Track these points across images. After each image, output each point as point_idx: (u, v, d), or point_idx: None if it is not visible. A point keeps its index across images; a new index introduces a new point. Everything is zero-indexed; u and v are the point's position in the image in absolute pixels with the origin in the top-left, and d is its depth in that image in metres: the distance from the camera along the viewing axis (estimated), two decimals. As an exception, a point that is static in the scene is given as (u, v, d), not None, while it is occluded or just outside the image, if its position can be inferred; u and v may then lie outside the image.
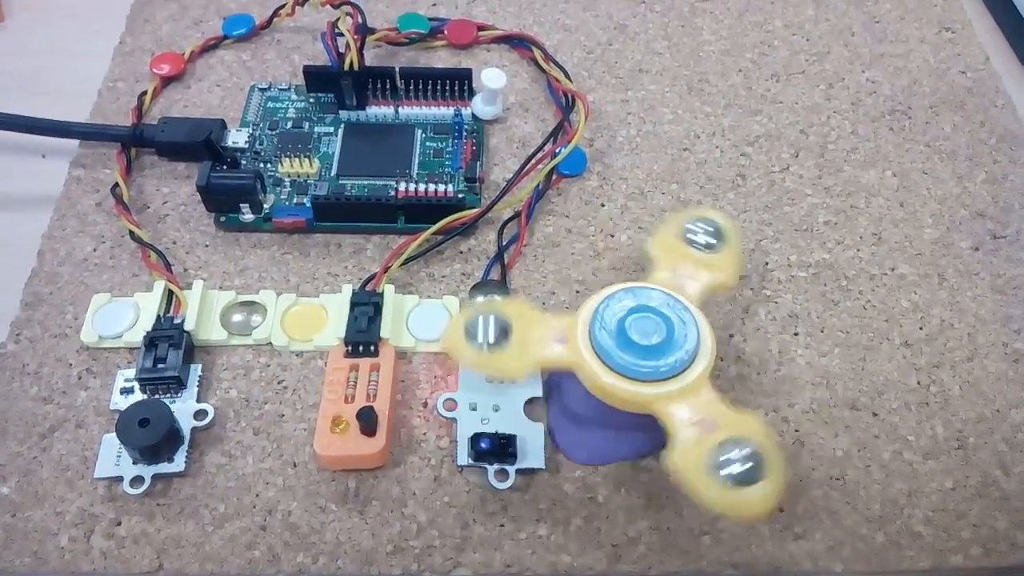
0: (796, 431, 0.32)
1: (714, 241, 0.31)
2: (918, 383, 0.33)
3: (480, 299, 0.34)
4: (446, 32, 0.44)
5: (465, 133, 0.40)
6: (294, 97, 0.41)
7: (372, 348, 0.32)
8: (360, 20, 0.39)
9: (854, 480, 0.31)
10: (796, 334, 0.34)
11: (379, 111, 0.40)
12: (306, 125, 0.40)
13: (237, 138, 0.39)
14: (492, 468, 0.30)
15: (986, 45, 0.46)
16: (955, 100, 0.43)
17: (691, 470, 0.25)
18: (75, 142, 0.39)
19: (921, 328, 0.35)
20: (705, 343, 0.28)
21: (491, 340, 0.28)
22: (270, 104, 0.41)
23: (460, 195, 0.37)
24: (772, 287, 0.36)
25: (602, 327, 0.28)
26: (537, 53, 0.43)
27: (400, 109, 0.40)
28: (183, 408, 0.31)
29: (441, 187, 0.37)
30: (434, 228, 0.35)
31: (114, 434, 0.30)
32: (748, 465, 0.25)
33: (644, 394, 0.27)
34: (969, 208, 0.39)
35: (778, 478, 0.25)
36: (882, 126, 0.42)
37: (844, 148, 0.41)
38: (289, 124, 0.40)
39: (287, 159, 0.38)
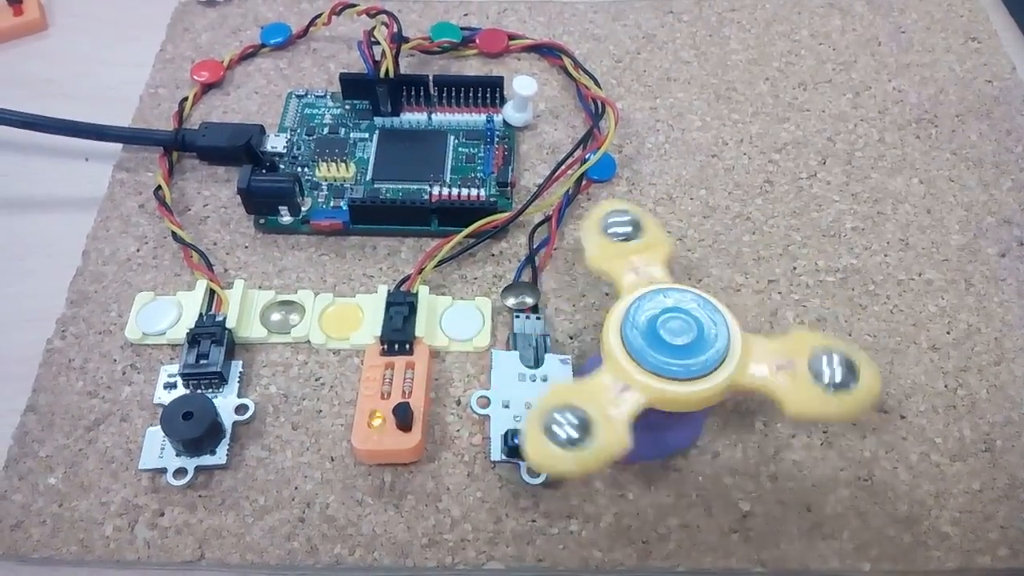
0: (824, 432, 0.32)
1: (631, 229, 0.31)
2: (945, 387, 0.34)
3: (514, 315, 0.34)
4: (478, 41, 0.45)
5: (496, 139, 0.40)
6: (330, 104, 0.42)
7: (407, 346, 0.33)
8: (396, 29, 0.40)
9: (882, 481, 0.31)
10: (824, 337, 0.35)
11: (413, 117, 0.41)
12: (342, 131, 0.41)
13: (276, 143, 0.40)
14: (524, 464, 0.31)
15: (1012, 55, 0.46)
16: (981, 109, 0.43)
17: (807, 401, 0.26)
18: (118, 146, 0.41)
19: (948, 333, 0.35)
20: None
21: (575, 436, 0.26)
22: (307, 110, 0.42)
23: (492, 199, 0.37)
24: (800, 291, 0.36)
25: (634, 326, 0.28)
26: (567, 61, 0.44)
27: (433, 115, 0.41)
28: (224, 403, 0.32)
29: (474, 191, 0.37)
30: (467, 231, 0.36)
31: (158, 427, 0.31)
32: (843, 369, 0.26)
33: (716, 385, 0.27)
34: (996, 215, 0.39)
35: (871, 369, 0.27)
36: (908, 134, 0.42)
37: (871, 155, 0.41)
38: (326, 130, 0.41)
39: (324, 164, 0.39)
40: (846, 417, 0.27)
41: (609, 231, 0.31)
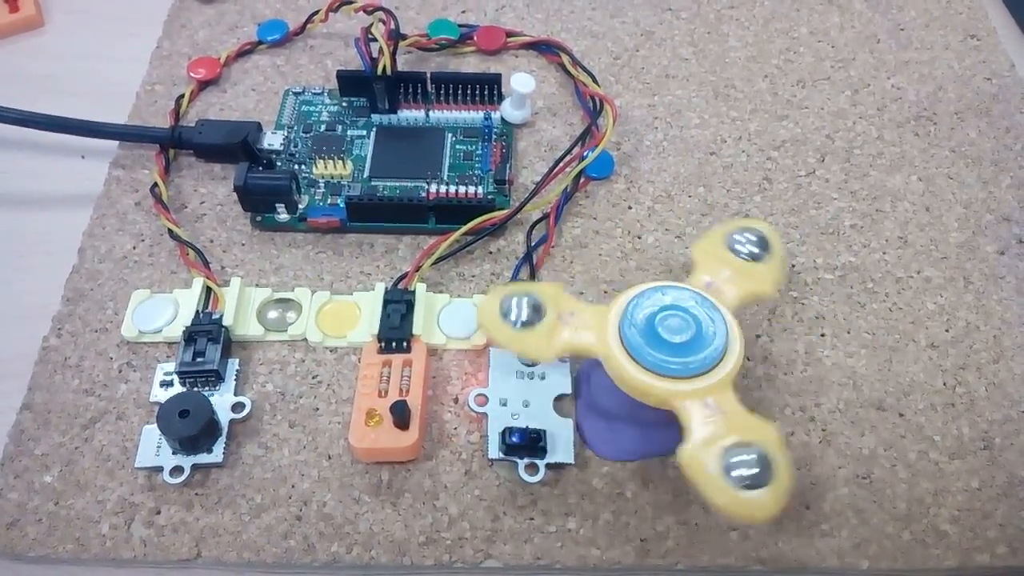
0: (823, 430, 0.32)
1: (757, 251, 0.31)
2: (944, 384, 0.34)
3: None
4: (475, 38, 0.45)
5: (494, 136, 0.40)
6: (327, 101, 0.42)
7: (405, 344, 0.33)
8: (393, 26, 0.39)
9: (880, 479, 0.31)
10: (823, 335, 0.35)
11: (410, 115, 0.41)
12: (339, 128, 0.41)
13: (272, 140, 0.40)
14: (522, 462, 0.31)
15: (1011, 52, 0.46)
16: (980, 106, 0.43)
17: (700, 468, 0.26)
18: (114, 143, 0.40)
19: (947, 330, 0.35)
20: (733, 342, 0.28)
21: (524, 319, 0.29)
22: (304, 108, 0.42)
23: (490, 197, 0.37)
24: (799, 289, 0.36)
25: (632, 324, 0.28)
26: (565, 59, 0.44)
27: (431, 113, 0.41)
28: (221, 401, 0.32)
29: (471, 189, 0.37)
30: (464, 229, 0.36)
31: (154, 425, 0.31)
32: (756, 470, 0.25)
33: (665, 389, 0.27)
34: (995, 212, 0.39)
35: (784, 485, 0.25)
36: (907, 131, 0.42)
37: (870, 153, 0.41)
38: (323, 127, 0.41)
39: (321, 161, 0.38)
40: (724, 510, 0.25)
41: (734, 243, 0.32)
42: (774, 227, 0.34)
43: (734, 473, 0.25)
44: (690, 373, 0.28)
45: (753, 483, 0.25)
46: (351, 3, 0.42)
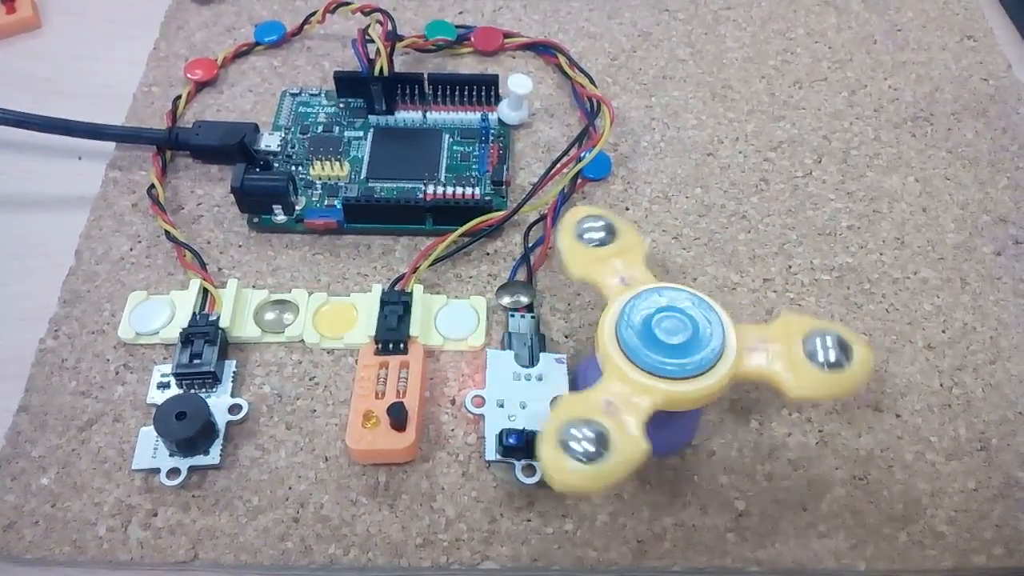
0: (820, 431, 0.32)
1: (604, 234, 0.31)
2: (941, 385, 0.34)
3: (509, 313, 0.34)
4: (473, 39, 0.45)
5: (491, 137, 0.40)
6: (324, 102, 0.42)
7: (402, 346, 0.33)
8: (390, 27, 0.39)
9: (877, 480, 0.31)
10: (819, 336, 0.35)
11: (407, 116, 0.41)
12: (336, 129, 0.41)
13: (269, 142, 0.40)
14: (519, 464, 0.31)
15: (1008, 53, 0.46)
16: (977, 107, 0.43)
17: (807, 383, 0.27)
18: (111, 145, 0.40)
19: (944, 331, 0.35)
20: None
21: (592, 450, 0.25)
22: (301, 109, 0.41)
23: (487, 198, 0.37)
24: (795, 290, 0.36)
25: (628, 325, 0.28)
26: (562, 60, 0.44)
27: (428, 114, 0.41)
28: (218, 403, 0.32)
29: (468, 190, 0.37)
30: (462, 230, 0.36)
31: (151, 427, 0.31)
32: (834, 350, 0.27)
33: (707, 386, 0.27)
34: (991, 213, 0.39)
35: (862, 346, 0.27)
36: (904, 132, 0.42)
37: (867, 154, 0.41)
38: (320, 128, 0.41)
39: (318, 162, 0.38)
40: (844, 394, 0.27)
41: (584, 237, 0.31)
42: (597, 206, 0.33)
43: (820, 360, 0.27)
44: (687, 374, 0.28)
45: (839, 361, 0.27)
46: (348, 4, 0.42)
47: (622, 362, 0.28)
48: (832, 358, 0.27)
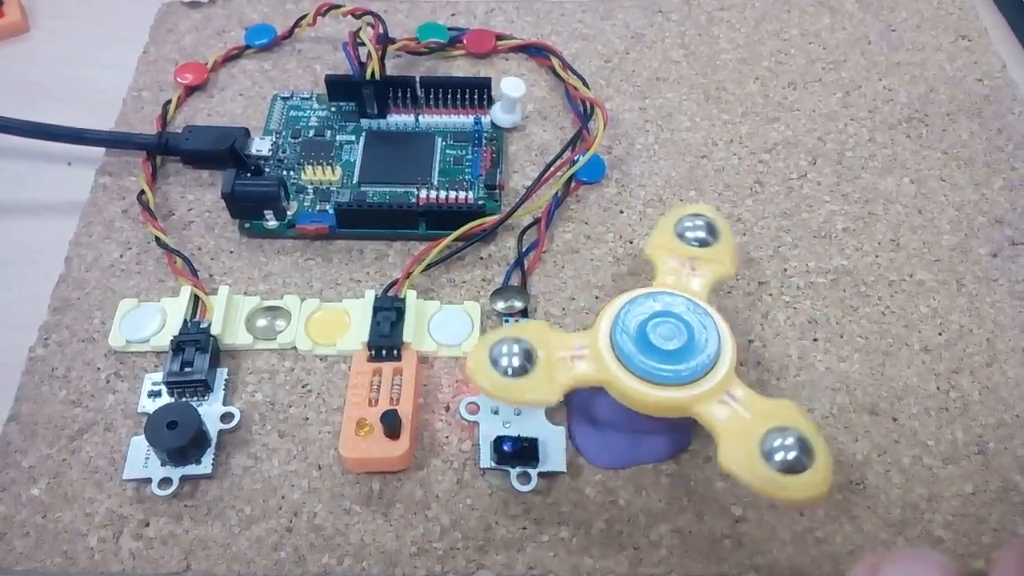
0: (816, 435, 0.32)
1: (706, 236, 0.32)
2: (937, 388, 0.33)
3: (503, 320, 0.34)
4: (465, 42, 0.45)
5: (484, 141, 0.40)
6: (316, 106, 0.42)
7: (395, 352, 0.33)
8: (381, 30, 0.39)
9: (874, 485, 0.31)
10: (815, 339, 0.35)
11: (400, 119, 0.41)
12: (328, 133, 0.40)
13: (260, 146, 0.39)
14: (514, 471, 0.30)
15: (1003, 53, 0.46)
16: (972, 108, 0.43)
17: (744, 464, 0.26)
18: (100, 150, 0.40)
19: (940, 334, 0.35)
20: (726, 347, 0.28)
21: (515, 365, 0.28)
22: (292, 113, 0.41)
23: (480, 202, 0.37)
24: (791, 293, 0.36)
25: (624, 331, 0.28)
26: (555, 62, 0.44)
27: (420, 117, 0.41)
28: (210, 411, 0.32)
29: (461, 194, 0.37)
30: (455, 234, 0.36)
31: (142, 436, 0.30)
32: (795, 452, 0.25)
33: (680, 398, 0.27)
34: (987, 215, 0.39)
35: (826, 460, 0.26)
36: (899, 133, 0.42)
37: (861, 155, 0.41)
38: (311, 132, 0.40)
39: (310, 167, 0.38)
40: (778, 497, 0.25)
41: (684, 231, 0.32)
42: (712, 207, 0.34)
43: (777, 459, 0.25)
44: (683, 380, 0.27)
45: (796, 466, 0.25)
46: (339, 7, 0.42)
47: (617, 368, 0.28)
48: (790, 458, 0.25)
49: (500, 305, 0.34)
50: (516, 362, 0.28)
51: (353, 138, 0.40)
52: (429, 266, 0.35)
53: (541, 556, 0.29)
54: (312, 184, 0.38)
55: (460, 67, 0.45)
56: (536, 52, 0.45)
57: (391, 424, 0.30)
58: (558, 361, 0.28)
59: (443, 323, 0.34)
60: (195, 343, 0.32)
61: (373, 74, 0.39)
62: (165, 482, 0.30)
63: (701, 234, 0.32)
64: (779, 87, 0.44)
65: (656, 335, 0.28)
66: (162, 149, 0.39)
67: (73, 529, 0.30)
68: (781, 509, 0.30)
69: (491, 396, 0.28)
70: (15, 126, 0.38)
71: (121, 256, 0.36)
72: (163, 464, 0.30)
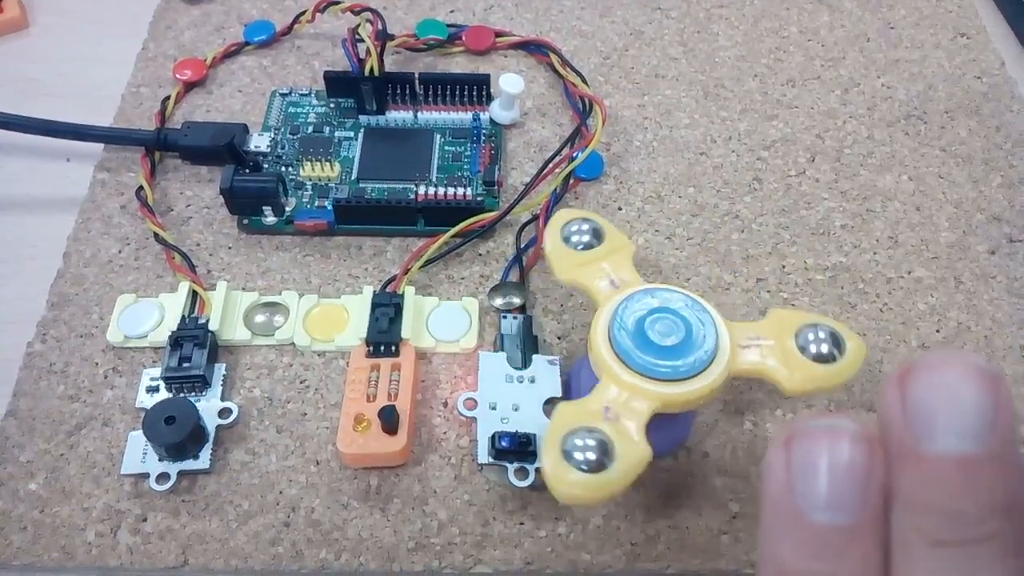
0: (813, 432, 0.32)
1: (589, 237, 0.31)
2: (935, 385, 0.33)
3: (501, 315, 0.34)
4: (464, 38, 0.45)
5: (483, 137, 0.40)
6: (314, 102, 0.42)
7: (393, 348, 0.33)
8: (380, 26, 0.39)
9: (871, 481, 0.31)
10: (813, 336, 0.35)
11: (398, 116, 0.41)
12: (326, 130, 0.40)
13: (259, 142, 0.39)
14: (512, 466, 0.30)
15: (1001, 50, 0.46)
16: (970, 105, 0.43)
17: (792, 364, 0.27)
18: (99, 146, 0.40)
19: (938, 331, 0.35)
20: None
21: (595, 458, 0.25)
22: (291, 109, 0.41)
23: (479, 198, 0.37)
24: (789, 290, 0.36)
25: (621, 327, 0.28)
26: (554, 59, 0.44)
27: (419, 114, 0.41)
28: (208, 406, 0.32)
29: (460, 190, 0.37)
30: (453, 231, 0.36)
31: (140, 431, 0.30)
32: (828, 343, 0.27)
33: (678, 393, 0.27)
34: (985, 212, 0.39)
35: (855, 340, 0.27)
36: (898, 131, 0.42)
37: (860, 152, 0.41)
38: (310, 129, 0.40)
39: (308, 163, 0.38)
40: (838, 385, 0.27)
41: (571, 241, 0.31)
42: (581, 209, 0.33)
43: (812, 351, 0.27)
44: (680, 376, 0.27)
45: (830, 355, 0.27)
46: (338, 3, 0.42)
47: (616, 365, 0.28)
48: (824, 350, 0.27)
49: (498, 301, 0.34)
50: (595, 456, 0.25)
51: (352, 134, 0.40)
52: (427, 262, 0.35)
53: (539, 551, 0.29)
54: (311, 180, 0.38)
55: (459, 64, 0.45)
56: (535, 49, 0.45)
57: (389, 420, 0.30)
58: (621, 417, 0.26)
59: (441, 319, 0.34)
60: (193, 339, 0.32)
61: (372, 70, 0.39)
62: (163, 477, 0.30)
63: (587, 237, 0.31)
64: (778, 84, 0.44)
65: (654, 331, 0.28)
66: (161, 145, 0.39)
67: (71, 524, 0.30)
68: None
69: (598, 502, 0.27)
70: (14, 122, 0.38)
71: (119, 252, 0.37)
72: (161, 459, 0.30)
